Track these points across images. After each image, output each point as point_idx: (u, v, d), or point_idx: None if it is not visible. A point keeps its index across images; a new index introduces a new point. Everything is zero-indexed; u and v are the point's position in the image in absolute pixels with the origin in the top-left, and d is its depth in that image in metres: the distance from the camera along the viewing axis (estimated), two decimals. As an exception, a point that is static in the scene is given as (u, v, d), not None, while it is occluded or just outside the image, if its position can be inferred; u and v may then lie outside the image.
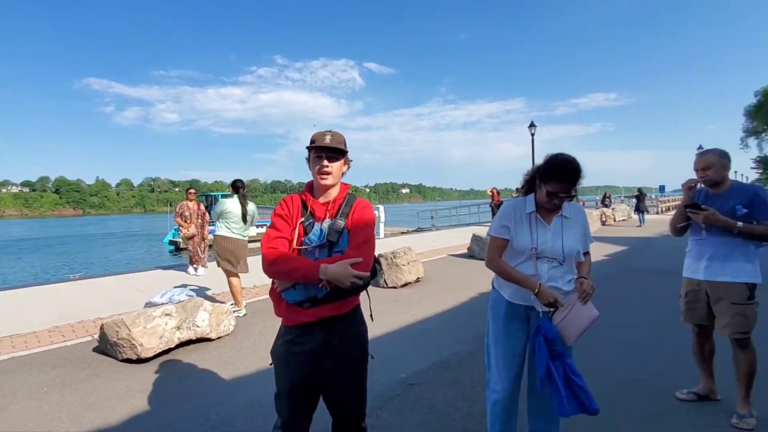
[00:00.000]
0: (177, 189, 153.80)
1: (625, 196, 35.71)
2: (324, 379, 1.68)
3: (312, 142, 1.68)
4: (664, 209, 27.39)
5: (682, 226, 2.70)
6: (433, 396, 2.90)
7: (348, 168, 1.77)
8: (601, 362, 3.44)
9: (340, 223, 1.65)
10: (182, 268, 8.09)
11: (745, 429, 2.43)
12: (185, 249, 7.90)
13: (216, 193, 24.62)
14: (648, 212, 18.44)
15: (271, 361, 1.75)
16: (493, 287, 2.15)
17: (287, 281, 1.57)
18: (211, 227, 6.11)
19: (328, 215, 1.67)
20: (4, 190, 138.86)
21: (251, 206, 5.22)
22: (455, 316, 4.81)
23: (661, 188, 35.93)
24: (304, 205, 1.69)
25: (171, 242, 21.13)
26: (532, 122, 19.25)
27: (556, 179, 1.85)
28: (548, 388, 1.80)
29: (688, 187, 2.57)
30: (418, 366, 3.40)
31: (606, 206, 20.07)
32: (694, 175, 2.63)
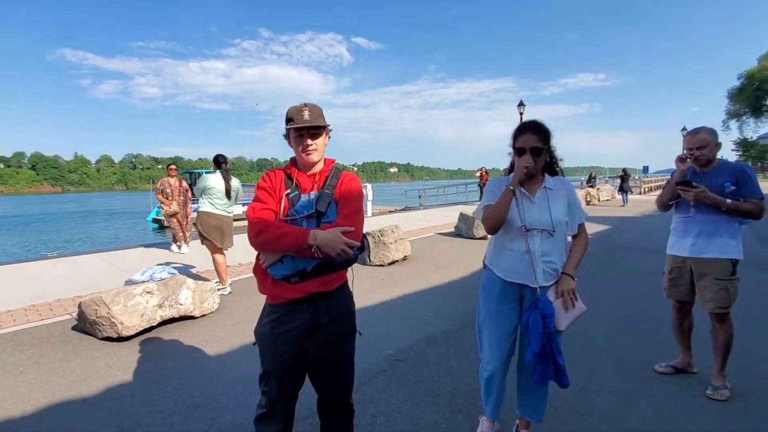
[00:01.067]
0: (160, 166, 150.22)
1: (609, 177, 36.18)
2: (311, 356, 1.65)
3: (289, 120, 1.62)
4: (647, 189, 27.83)
5: (670, 202, 2.70)
6: (420, 372, 2.91)
7: (329, 138, 1.72)
8: (583, 338, 3.49)
9: (328, 193, 1.63)
10: (166, 246, 7.93)
11: (719, 400, 2.52)
12: (168, 227, 7.71)
13: (200, 171, 24.08)
14: (631, 192, 18.72)
15: (254, 341, 1.70)
16: (485, 266, 2.12)
17: (275, 251, 1.53)
18: (194, 204, 5.95)
19: (315, 186, 1.65)
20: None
21: (235, 182, 5.06)
22: (442, 293, 4.82)
23: (645, 169, 36.47)
24: (289, 178, 1.66)
25: (155, 220, 20.73)
26: (521, 101, 19.14)
27: (520, 133, 1.91)
28: (536, 361, 1.83)
29: (682, 159, 2.55)
30: (405, 342, 3.40)
31: (591, 186, 20.31)
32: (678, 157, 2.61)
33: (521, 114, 18.99)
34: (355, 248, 1.53)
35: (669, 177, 2.76)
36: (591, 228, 9.93)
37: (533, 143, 1.87)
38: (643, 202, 18.16)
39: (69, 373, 2.95)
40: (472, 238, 8.44)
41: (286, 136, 1.68)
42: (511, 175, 1.99)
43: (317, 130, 1.62)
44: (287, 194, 1.62)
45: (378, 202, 21.33)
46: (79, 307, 3.63)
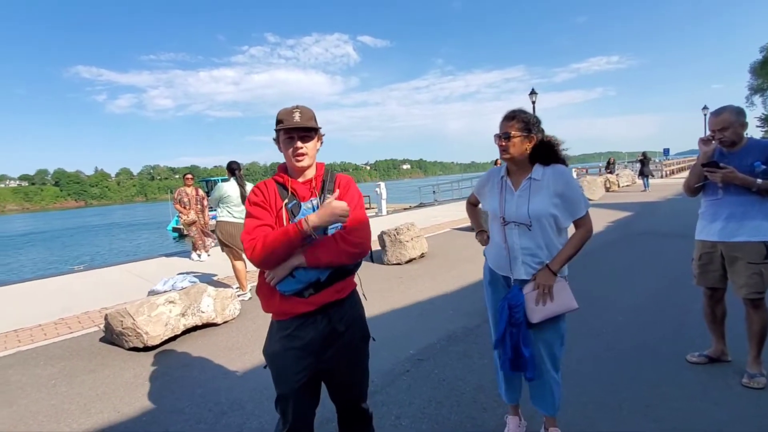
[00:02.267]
0: (177, 176, 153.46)
1: (628, 161, 35.29)
2: (327, 368, 1.59)
3: (279, 122, 1.53)
4: (668, 173, 27.05)
5: (697, 186, 2.59)
6: (442, 370, 2.89)
7: (321, 144, 1.64)
8: (609, 328, 3.41)
9: (331, 198, 1.52)
10: (186, 254, 8.07)
11: (755, 388, 2.42)
12: (187, 235, 7.85)
13: (216, 178, 24.48)
14: (652, 176, 18.21)
15: (265, 364, 1.63)
16: (485, 257, 2.15)
17: (277, 261, 1.44)
18: (212, 212, 6.03)
19: (313, 193, 1.57)
20: (2, 185, 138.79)
21: (250, 188, 5.12)
22: (461, 289, 4.78)
23: (666, 151, 35.47)
24: (283, 187, 1.57)
25: (174, 229, 21.16)
26: (533, 89, 18.79)
27: (501, 122, 1.89)
28: (495, 347, 1.96)
29: (705, 141, 2.45)
30: (426, 341, 3.38)
31: (610, 172, 19.83)
32: (702, 137, 2.52)
33: (533, 103, 18.66)
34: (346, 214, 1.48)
35: (695, 159, 2.66)
36: (612, 215, 9.72)
37: (506, 128, 1.85)
38: (666, 186, 17.65)
39: (99, 385, 3.02)
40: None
41: (276, 139, 1.59)
42: (502, 167, 2.02)
43: (308, 132, 1.54)
44: (286, 205, 1.53)
45: (392, 200, 21.29)
46: (106, 318, 3.72)
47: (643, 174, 16.54)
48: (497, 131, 1.89)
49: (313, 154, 1.58)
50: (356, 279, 1.69)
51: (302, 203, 1.54)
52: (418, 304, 4.36)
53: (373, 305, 4.37)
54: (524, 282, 1.88)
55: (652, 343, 3.10)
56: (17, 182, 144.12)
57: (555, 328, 1.89)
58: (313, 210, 1.52)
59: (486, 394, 2.55)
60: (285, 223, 1.50)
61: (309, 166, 1.58)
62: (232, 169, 5.05)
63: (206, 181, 26.06)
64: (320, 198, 1.56)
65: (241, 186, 4.98)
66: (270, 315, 1.62)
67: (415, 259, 6.35)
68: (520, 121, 1.84)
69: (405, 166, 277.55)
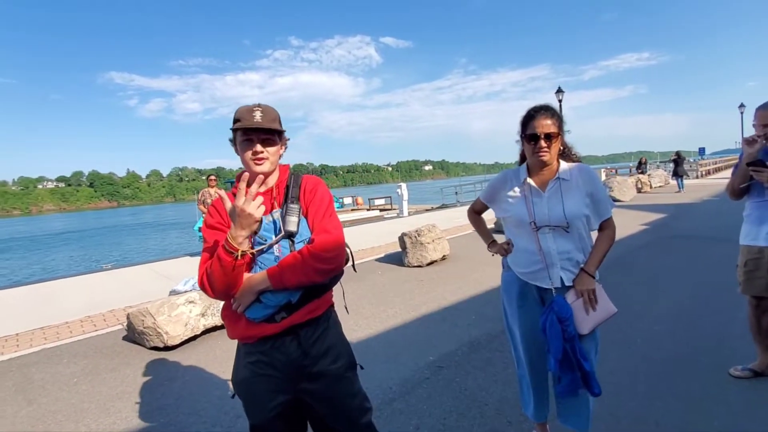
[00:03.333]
0: (203, 177, 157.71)
1: (661, 161, 33.90)
2: (305, 398, 1.38)
3: (236, 120, 1.33)
4: (704, 173, 25.81)
5: (743, 187, 2.38)
6: (464, 379, 2.76)
7: (285, 149, 1.44)
8: (644, 337, 3.20)
9: (294, 207, 1.34)
10: (209, 254, 8.19)
11: None
12: (210, 236, 7.96)
13: (240, 180, 24.84)
14: (687, 177, 17.35)
15: (232, 393, 1.46)
16: (504, 267, 1.96)
17: (226, 288, 1.25)
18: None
19: (275, 203, 1.38)
20: (40, 186, 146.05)
21: None
22: (484, 294, 4.62)
23: (701, 151, 33.93)
24: None
25: (200, 229, 21.63)
26: (559, 88, 18.29)
27: (530, 119, 1.70)
28: (559, 368, 1.67)
29: (749, 142, 2.25)
30: (447, 347, 3.25)
31: (642, 173, 19.06)
32: (737, 136, 2.32)
33: (560, 101, 18.17)
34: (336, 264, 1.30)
35: (733, 158, 2.44)
36: (645, 217, 9.30)
37: (547, 128, 1.65)
38: (701, 186, 16.83)
39: (120, 383, 3.04)
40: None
41: (233, 141, 1.39)
42: (521, 168, 1.83)
43: (270, 135, 1.34)
44: None
45: (413, 201, 21.14)
46: (128, 318, 3.77)
47: (677, 174, 15.77)
48: (525, 128, 1.72)
49: (274, 160, 1.38)
50: (339, 290, 1.52)
51: (263, 216, 1.29)
52: (438, 308, 4.23)
53: (392, 308, 4.28)
54: (559, 291, 1.73)
55: (691, 355, 2.89)
56: (54, 183, 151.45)
57: (591, 336, 1.74)
58: (274, 224, 1.33)
59: (511, 406, 2.41)
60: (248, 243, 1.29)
61: (270, 173, 1.37)
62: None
63: (231, 182, 26.57)
64: (283, 209, 1.35)
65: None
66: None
67: (436, 261, 6.22)
68: (557, 118, 1.70)
69: (427, 167, 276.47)
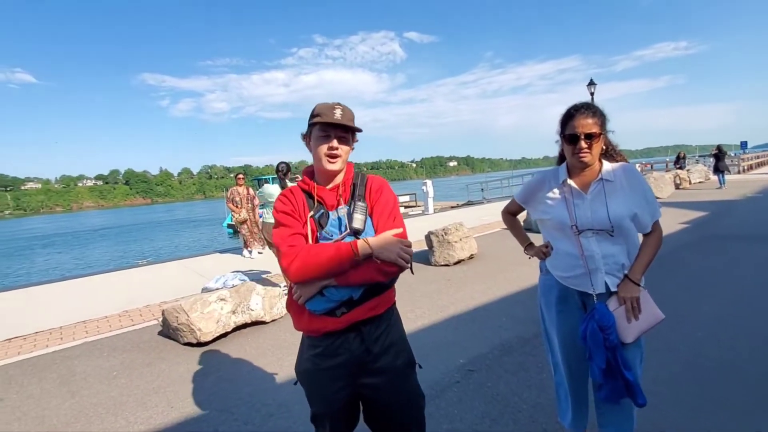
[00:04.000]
0: (231, 175, 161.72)
1: (700, 156, 32.27)
2: (366, 397, 1.43)
3: (315, 115, 1.36)
4: (746, 168, 24.38)
5: None
6: (496, 383, 2.69)
7: (353, 149, 1.47)
8: (687, 343, 3.04)
9: (362, 205, 1.38)
10: (238, 251, 8.37)
11: None
12: (239, 233, 8.13)
13: (267, 177, 25.36)
14: (728, 172, 16.44)
15: (295, 380, 1.52)
16: (542, 270, 1.88)
17: (317, 276, 1.28)
18: (261, 210, 6.17)
19: (340, 201, 1.41)
20: (80, 184, 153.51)
21: None
22: (515, 294, 4.50)
23: (743, 144, 32.12)
24: (309, 196, 1.42)
25: (229, 225, 22.21)
26: (591, 80, 17.67)
27: (570, 119, 1.60)
28: (602, 377, 1.59)
29: None
30: (478, 350, 3.18)
31: (680, 168, 18.19)
32: None
33: (592, 94, 17.55)
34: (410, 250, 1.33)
35: None
36: (684, 215, 8.87)
37: (588, 128, 1.56)
38: (744, 182, 15.92)
39: (155, 378, 3.13)
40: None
41: (306, 135, 1.43)
42: (560, 168, 1.73)
43: (346, 133, 1.38)
44: (312, 216, 1.37)
45: (438, 198, 20.95)
46: (163, 314, 3.88)
47: (719, 170, 14.95)
48: (564, 128, 1.63)
49: (346, 158, 1.41)
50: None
51: (330, 212, 1.38)
52: (467, 309, 4.15)
53: (420, 308, 4.23)
54: (601, 297, 1.65)
55: (738, 362, 2.72)
56: (93, 181, 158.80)
57: (635, 344, 1.65)
58: (339, 220, 1.37)
59: (545, 413, 2.33)
60: (311, 236, 1.35)
61: (339, 171, 1.41)
62: (277, 170, 5.06)
63: (258, 179, 27.09)
64: (350, 206, 1.39)
65: (283, 188, 4.98)
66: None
67: (463, 260, 6.12)
68: (600, 116, 1.61)
69: (451, 163, 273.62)
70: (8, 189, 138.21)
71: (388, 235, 1.31)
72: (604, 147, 1.67)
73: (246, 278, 4.42)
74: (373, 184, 1.45)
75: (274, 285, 4.73)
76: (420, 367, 1.54)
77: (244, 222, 7.89)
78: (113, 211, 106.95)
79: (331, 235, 1.35)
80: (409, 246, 1.32)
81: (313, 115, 1.38)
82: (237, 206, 7.88)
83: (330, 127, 1.36)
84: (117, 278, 6.70)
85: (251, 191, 8.14)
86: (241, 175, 8.18)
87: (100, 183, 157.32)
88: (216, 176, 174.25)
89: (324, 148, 1.36)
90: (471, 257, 6.25)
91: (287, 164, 5.09)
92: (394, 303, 1.51)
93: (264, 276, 6.12)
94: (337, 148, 1.36)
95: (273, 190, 4.97)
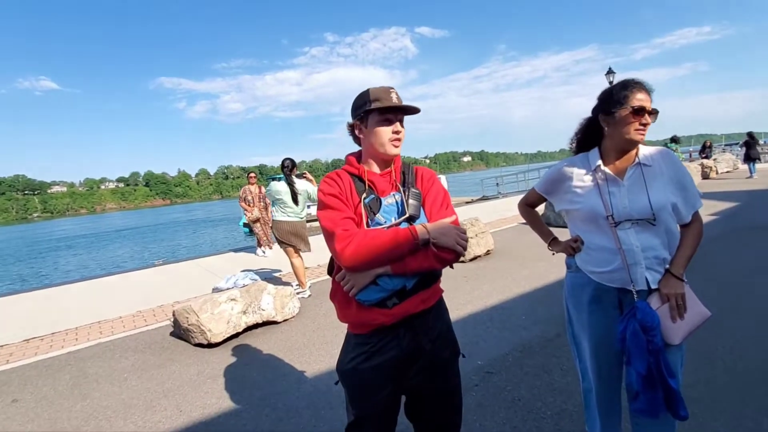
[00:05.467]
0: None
1: (726, 144, 31.04)
2: (410, 389, 1.39)
3: (372, 101, 1.31)
4: (777, 156, 23.29)
5: None
6: (517, 387, 2.53)
7: None
8: (726, 345, 2.82)
9: (416, 192, 1.35)
10: (252, 249, 8.37)
11: None
12: (254, 231, 8.12)
13: (280, 176, 25.46)
14: (759, 161, 15.65)
15: (337, 380, 1.43)
16: (570, 267, 1.70)
17: (374, 263, 1.21)
18: (272, 208, 6.09)
19: (393, 186, 1.37)
20: (103, 187, 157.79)
21: (302, 185, 4.88)
22: (534, 291, 4.31)
23: (773, 131, 30.76)
24: (359, 180, 1.36)
25: (245, 224, 22.39)
26: (609, 69, 17.13)
27: (629, 91, 1.42)
28: (641, 385, 1.42)
29: None
30: (497, 351, 3.03)
31: (706, 157, 17.48)
32: None
33: (611, 83, 16.99)
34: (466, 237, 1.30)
35: None
36: (713, 206, 8.47)
37: (649, 104, 1.42)
38: (775, 171, 15.19)
39: (166, 380, 3.07)
40: (563, 226, 7.62)
41: (359, 122, 1.36)
42: (589, 154, 1.55)
43: (407, 114, 1.37)
44: (363, 200, 1.31)
45: (453, 193, 20.66)
46: (174, 314, 3.83)
47: (750, 158, 14.20)
48: (619, 102, 1.44)
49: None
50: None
51: (382, 198, 1.34)
52: (485, 308, 3.99)
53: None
54: (641, 294, 1.47)
55: (784, 367, 2.49)
56: (115, 184, 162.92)
57: (678, 347, 1.47)
58: (395, 206, 1.34)
59: (572, 421, 2.16)
60: (363, 222, 1.29)
61: (398, 155, 1.39)
62: (283, 166, 4.92)
63: (272, 178, 27.26)
64: (404, 192, 1.35)
65: (290, 184, 4.85)
66: (345, 325, 1.42)
67: (480, 256, 5.95)
68: (651, 94, 1.47)
69: (466, 158, 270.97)
70: (36, 193, 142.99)
71: (446, 221, 1.29)
72: None
73: (257, 277, 4.35)
74: (424, 174, 1.44)
75: (286, 284, 4.64)
76: (464, 356, 1.50)
77: (256, 221, 7.87)
78: (135, 212, 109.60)
79: (384, 221, 1.31)
80: (465, 233, 1.28)
81: (367, 101, 1.33)
82: (249, 205, 7.86)
83: (390, 111, 1.33)
84: (134, 278, 6.74)
85: (263, 190, 8.11)
86: (253, 174, 8.17)
87: (121, 185, 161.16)
88: (232, 176, 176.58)
89: (388, 132, 1.33)
90: (488, 253, 6.07)
91: (292, 160, 4.96)
92: (442, 294, 1.46)
93: (275, 275, 6.06)
94: (401, 131, 1.34)
95: (279, 187, 4.86)
